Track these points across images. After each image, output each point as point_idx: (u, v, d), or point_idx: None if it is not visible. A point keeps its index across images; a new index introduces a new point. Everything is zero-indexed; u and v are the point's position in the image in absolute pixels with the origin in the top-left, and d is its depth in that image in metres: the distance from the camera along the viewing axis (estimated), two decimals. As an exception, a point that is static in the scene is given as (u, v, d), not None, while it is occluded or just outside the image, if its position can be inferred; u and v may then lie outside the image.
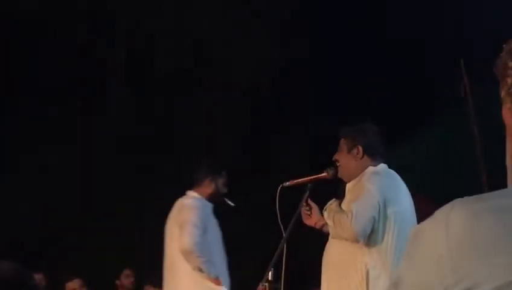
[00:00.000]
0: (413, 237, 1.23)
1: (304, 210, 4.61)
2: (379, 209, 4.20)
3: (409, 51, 13.81)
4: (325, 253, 4.46)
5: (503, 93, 1.33)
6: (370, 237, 4.22)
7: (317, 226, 4.62)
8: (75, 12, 14.85)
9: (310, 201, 4.64)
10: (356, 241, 4.18)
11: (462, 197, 1.21)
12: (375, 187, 4.26)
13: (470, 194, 1.22)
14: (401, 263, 1.26)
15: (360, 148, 4.49)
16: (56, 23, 14.67)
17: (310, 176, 4.66)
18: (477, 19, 11.82)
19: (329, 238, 4.45)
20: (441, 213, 1.20)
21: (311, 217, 4.63)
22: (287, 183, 4.69)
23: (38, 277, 7.62)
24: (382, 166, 4.48)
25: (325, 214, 4.41)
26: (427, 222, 1.22)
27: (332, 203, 4.44)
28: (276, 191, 4.67)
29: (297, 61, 14.85)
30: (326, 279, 4.40)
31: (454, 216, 1.16)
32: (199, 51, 14.93)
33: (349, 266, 4.22)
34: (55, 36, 14.67)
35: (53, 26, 14.66)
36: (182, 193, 6.82)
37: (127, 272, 8.36)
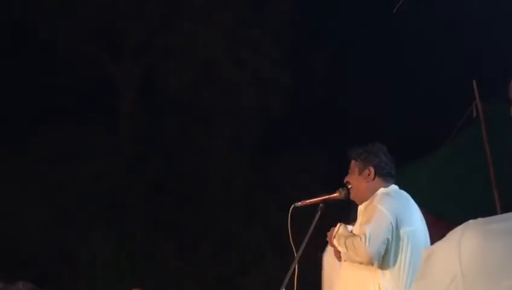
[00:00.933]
0: (426, 259, 1.22)
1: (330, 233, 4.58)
2: (392, 230, 4.18)
3: (422, 72, 13.81)
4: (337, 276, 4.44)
5: None
6: (383, 258, 4.18)
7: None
8: (85, 32, 14.94)
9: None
10: (371, 263, 4.15)
11: (475, 218, 1.21)
12: (387, 208, 4.23)
13: (482, 214, 1.22)
14: (414, 284, 1.25)
15: (372, 170, 4.46)
16: (67, 42, 14.77)
17: (322, 196, 4.66)
18: (490, 41, 11.81)
19: (341, 261, 4.43)
20: (453, 235, 1.19)
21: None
22: (299, 203, 4.68)
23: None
24: (393, 187, 4.46)
25: (335, 241, 4.37)
26: (440, 244, 1.21)
27: (339, 228, 4.40)
28: (288, 211, 4.66)
29: (308, 80, 14.88)
30: None
31: (467, 238, 1.16)
32: (210, 70, 14.97)
33: (363, 289, 4.19)
34: (67, 55, 14.77)
35: (64, 46, 14.75)
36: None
37: (135, 290, 8.26)
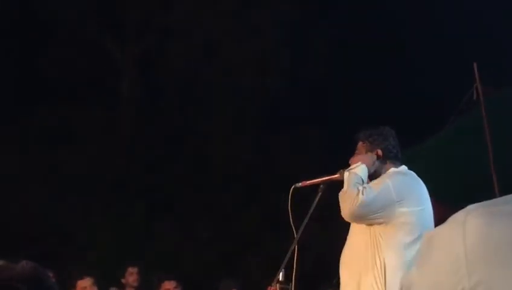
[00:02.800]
0: (428, 242, 1.22)
1: None
2: (392, 204, 4.20)
3: (423, 54, 13.78)
4: (344, 250, 4.45)
5: None
6: (389, 233, 4.21)
7: None
8: (85, 12, 14.89)
9: None
10: (355, 211, 4.17)
11: (473, 201, 1.21)
12: (394, 184, 4.27)
13: (481, 198, 1.22)
14: (414, 267, 1.25)
15: (380, 152, 4.49)
16: (66, 22, 14.72)
17: (323, 177, 4.66)
18: (492, 24, 11.78)
19: (348, 236, 4.45)
20: (457, 218, 1.19)
21: None
22: (300, 184, 4.68)
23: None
24: (404, 167, 4.50)
25: (346, 174, 4.38)
26: (443, 227, 1.22)
27: (360, 167, 4.41)
28: (288, 192, 4.67)
29: (308, 60, 14.85)
30: (344, 275, 4.39)
31: (471, 221, 1.15)
32: (210, 50, 14.94)
33: (368, 261, 4.21)
34: (66, 35, 14.73)
35: (64, 26, 14.71)
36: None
37: (130, 269, 8.29)
